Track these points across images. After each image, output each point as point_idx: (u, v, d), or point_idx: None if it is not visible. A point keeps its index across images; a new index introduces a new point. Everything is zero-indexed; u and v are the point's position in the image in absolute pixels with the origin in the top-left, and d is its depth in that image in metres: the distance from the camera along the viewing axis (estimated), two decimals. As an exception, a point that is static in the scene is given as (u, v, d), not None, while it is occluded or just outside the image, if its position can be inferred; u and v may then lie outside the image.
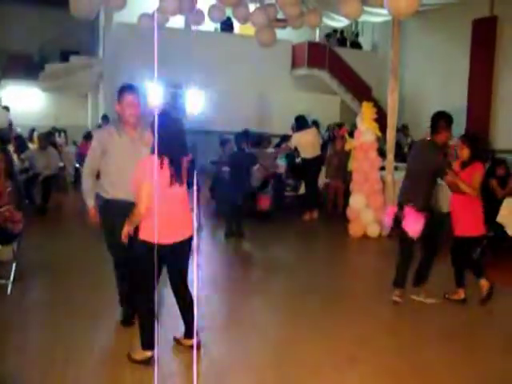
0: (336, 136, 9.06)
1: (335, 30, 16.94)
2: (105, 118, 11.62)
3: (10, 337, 3.90)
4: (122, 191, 3.71)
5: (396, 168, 7.81)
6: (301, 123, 8.67)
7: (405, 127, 12.75)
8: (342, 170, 8.74)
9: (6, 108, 12.81)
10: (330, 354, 3.77)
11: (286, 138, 10.95)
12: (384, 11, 6.73)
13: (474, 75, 13.36)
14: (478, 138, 4.90)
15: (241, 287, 5.31)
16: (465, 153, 4.73)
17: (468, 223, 4.76)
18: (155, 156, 3.12)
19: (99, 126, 11.50)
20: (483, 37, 13.08)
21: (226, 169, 7.74)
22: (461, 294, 4.91)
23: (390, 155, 7.51)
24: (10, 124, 12.43)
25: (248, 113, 12.82)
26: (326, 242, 7.34)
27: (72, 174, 11.24)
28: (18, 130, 12.39)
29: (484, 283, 4.83)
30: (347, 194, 7.93)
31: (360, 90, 15.65)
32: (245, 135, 7.83)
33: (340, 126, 8.99)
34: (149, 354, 3.40)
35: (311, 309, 4.71)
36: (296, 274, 5.84)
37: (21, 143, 10.30)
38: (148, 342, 3.39)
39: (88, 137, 11.64)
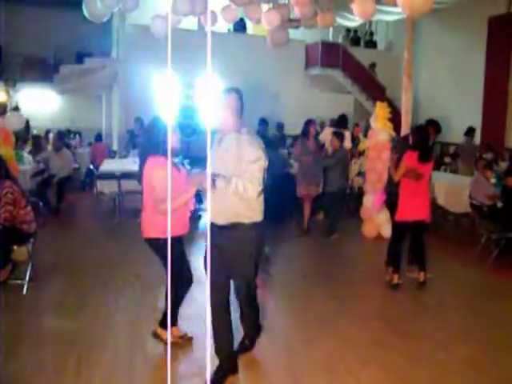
0: (310, 132, 7.42)
1: (349, 30, 16.84)
2: (138, 120, 9.81)
3: (25, 336, 3.94)
4: None
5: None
6: (342, 122, 8.66)
7: None
8: (314, 175, 7.41)
9: (17, 108, 12.76)
10: (343, 355, 3.75)
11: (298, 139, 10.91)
12: (398, 9, 6.63)
13: (489, 73, 13.18)
14: (423, 130, 5.31)
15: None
16: (411, 141, 5.26)
17: (424, 208, 5.14)
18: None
19: (131, 131, 10.70)
20: (499, 34, 12.90)
21: None
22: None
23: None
24: (27, 125, 12.46)
25: (262, 113, 12.80)
26: (339, 243, 7.28)
27: (84, 174, 11.32)
28: (34, 131, 12.48)
29: (422, 275, 5.27)
30: (360, 195, 7.82)
31: (374, 89, 15.55)
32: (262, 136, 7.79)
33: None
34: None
35: (324, 310, 4.68)
36: (309, 275, 5.81)
37: (38, 144, 10.34)
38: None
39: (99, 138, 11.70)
